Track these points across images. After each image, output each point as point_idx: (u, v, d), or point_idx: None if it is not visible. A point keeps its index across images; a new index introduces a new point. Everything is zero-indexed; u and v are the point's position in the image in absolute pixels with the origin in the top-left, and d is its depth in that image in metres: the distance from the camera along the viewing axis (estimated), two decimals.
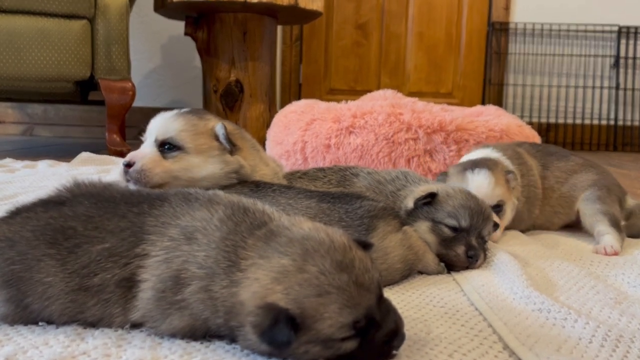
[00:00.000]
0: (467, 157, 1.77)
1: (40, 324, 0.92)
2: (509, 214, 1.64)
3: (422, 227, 1.38)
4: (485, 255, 1.38)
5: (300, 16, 4.02)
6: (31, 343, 0.86)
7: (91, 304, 0.89)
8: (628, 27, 5.10)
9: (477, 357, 0.87)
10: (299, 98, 4.97)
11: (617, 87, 5.16)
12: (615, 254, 1.53)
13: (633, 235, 1.73)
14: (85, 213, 0.92)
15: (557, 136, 5.20)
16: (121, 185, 1.07)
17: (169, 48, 5.05)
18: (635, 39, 5.14)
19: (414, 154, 2.20)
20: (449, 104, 2.95)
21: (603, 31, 5.14)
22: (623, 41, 5.14)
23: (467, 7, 5.26)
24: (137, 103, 3.74)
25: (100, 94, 3.47)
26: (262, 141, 2.55)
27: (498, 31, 5.19)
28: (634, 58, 5.16)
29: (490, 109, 2.61)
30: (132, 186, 1.30)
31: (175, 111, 1.38)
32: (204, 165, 1.33)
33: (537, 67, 5.22)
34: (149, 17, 4.52)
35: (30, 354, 0.82)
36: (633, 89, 5.20)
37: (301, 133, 2.36)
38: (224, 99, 3.86)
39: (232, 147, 1.36)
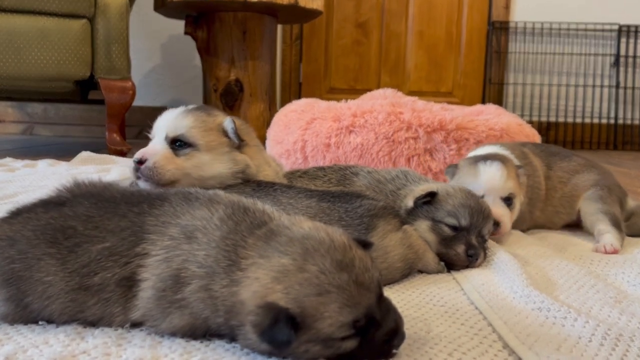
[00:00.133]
0: (474, 153, 1.77)
1: (40, 323, 0.92)
2: (518, 207, 1.64)
3: (422, 226, 1.38)
4: (485, 254, 1.38)
5: (300, 15, 4.02)
6: (31, 342, 0.86)
7: (91, 303, 0.89)
8: (628, 26, 5.10)
9: (477, 355, 0.87)
10: (299, 97, 4.98)
11: (617, 86, 5.16)
12: (615, 252, 1.53)
13: (634, 235, 1.74)
14: (86, 213, 0.92)
15: (558, 135, 5.20)
16: (123, 185, 1.07)
17: (169, 47, 5.05)
18: (636, 38, 5.13)
19: (414, 153, 2.20)
20: (449, 103, 2.95)
21: (603, 30, 5.13)
22: (623, 40, 5.13)
23: (467, 6, 5.26)
24: (137, 102, 3.75)
25: (100, 93, 3.47)
26: (262, 140, 2.54)
27: (498, 30, 5.18)
28: (634, 57, 5.16)
29: (491, 108, 2.61)
30: (142, 184, 1.30)
31: (183, 108, 1.38)
32: (214, 163, 1.33)
33: (538, 66, 5.22)
34: (148, 17, 4.52)
35: (31, 353, 0.82)
36: (633, 88, 5.19)
37: (301, 132, 2.36)
38: (224, 98, 3.86)
39: (240, 141, 1.37)
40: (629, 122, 5.22)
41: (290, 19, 4.25)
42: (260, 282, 0.78)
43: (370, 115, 2.27)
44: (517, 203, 1.63)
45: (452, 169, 1.69)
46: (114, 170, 2.64)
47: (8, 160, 2.92)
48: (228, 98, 3.86)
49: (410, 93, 3.20)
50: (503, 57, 5.21)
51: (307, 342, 0.78)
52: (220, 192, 0.98)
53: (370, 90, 3.09)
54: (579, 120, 5.23)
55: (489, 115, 2.41)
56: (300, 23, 4.99)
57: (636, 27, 5.10)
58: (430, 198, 1.40)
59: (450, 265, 1.36)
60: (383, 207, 1.27)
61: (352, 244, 0.83)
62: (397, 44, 5.32)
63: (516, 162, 1.67)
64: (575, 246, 1.61)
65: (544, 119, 5.21)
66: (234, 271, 0.82)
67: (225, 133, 1.36)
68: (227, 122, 1.37)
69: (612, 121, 5.21)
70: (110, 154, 3.36)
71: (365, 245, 0.87)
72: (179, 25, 4.13)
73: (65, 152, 3.54)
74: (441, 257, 1.36)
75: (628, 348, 0.89)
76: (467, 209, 1.37)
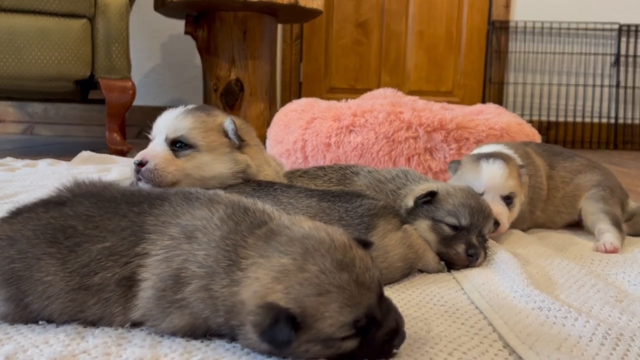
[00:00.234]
0: (478, 151, 1.77)
1: (40, 322, 0.92)
2: (517, 207, 1.64)
3: (423, 226, 1.38)
4: (485, 253, 1.38)
5: (301, 15, 4.02)
6: (31, 342, 0.86)
7: (91, 303, 0.89)
8: (628, 25, 5.09)
9: (477, 355, 0.87)
10: (299, 97, 4.98)
11: (618, 85, 5.16)
12: (615, 250, 1.53)
13: (636, 234, 1.74)
14: (86, 212, 0.92)
15: (558, 134, 5.20)
16: (123, 184, 1.07)
17: (169, 47, 5.05)
18: (636, 37, 5.13)
19: (414, 153, 2.20)
20: (449, 102, 2.95)
21: (603, 29, 5.13)
22: (623, 39, 5.13)
23: (467, 5, 5.26)
24: (137, 102, 3.75)
25: (101, 93, 3.48)
26: (263, 140, 2.54)
27: (498, 29, 5.18)
28: (635, 56, 5.15)
29: (491, 108, 2.61)
30: (143, 185, 1.30)
31: (182, 108, 1.38)
32: (215, 164, 1.33)
33: (538, 66, 5.22)
34: (149, 16, 4.52)
35: (31, 353, 0.82)
36: (633, 87, 5.19)
37: (301, 132, 2.36)
38: (224, 98, 3.86)
39: (241, 142, 1.37)
40: (629, 121, 5.22)
41: (290, 18, 4.25)
42: (261, 282, 0.78)
43: (370, 114, 2.27)
44: (517, 202, 1.63)
45: (455, 165, 1.70)
46: (114, 170, 2.64)
47: (8, 159, 2.92)
48: (228, 98, 3.86)
49: (411, 93, 3.20)
50: (503, 57, 5.21)
51: (307, 342, 0.78)
52: (221, 192, 0.98)
53: (370, 89, 3.09)
54: (579, 119, 5.23)
55: (489, 114, 2.41)
56: (301, 23, 4.99)
57: (636, 26, 5.10)
58: (430, 197, 1.40)
59: (450, 264, 1.36)
60: (383, 207, 1.27)
61: (352, 244, 0.83)
62: (397, 44, 5.32)
63: (519, 161, 1.67)
64: (576, 246, 1.61)
65: (544, 118, 5.21)
66: (234, 271, 0.82)
67: (225, 133, 1.36)
68: (228, 122, 1.36)
69: (612, 121, 5.21)
70: (110, 153, 3.37)
71: (366, 244, 0.87)
72: (179, 24, 4.13)
73: (65, 151, 3.55)
74: (441, 256, 1.36)
75: (629, 348, 0.89)
76: (467, 208, 1.37)
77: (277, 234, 0.84)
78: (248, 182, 1.35)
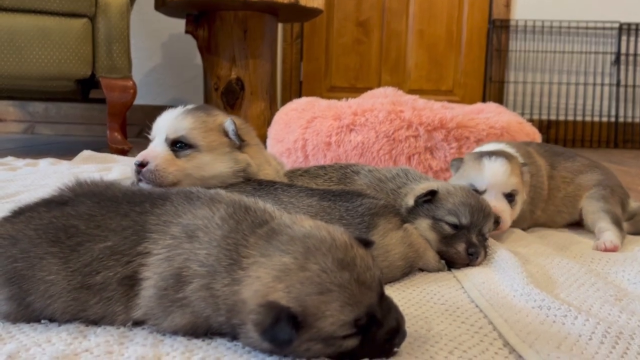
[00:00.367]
0: (480, 149, 1.77)
1: (42, 321, 0.92)
2: (519, 205, 1.64)
3: (423, 225, 1.38)
4: (485, 252, 1.38)
5: (301, 14, 4.02)
6: (34, 341, 0.86)
7: (93, 302, 0.89)
8: (629, 24, 5.09)
9: (478, 354, 0.88)
10: (299, 96, 4.98)
11: (618, 84, 5.16)
12: (615, 248, 1.53)
13: (637, 233, 1.74)
14: (88, 212, 0.93)
15: (558, 133, 5.20)
16: (125, 184, 1.07)
17: (170, 46, 5.05)
18: (636, 36, 5.13)
19: (415, 152, 2.20)
20: (450, 101, 2.95)
21: (604, 28, 5.13)
22: (624, 38, 5.13)
23: (467, 4, 5.26)
24: (138, 101, 3.75)
25: (102, 92, 3.48)
26: (263, 139, 2.55)
27: (499, 28, 5.18)
28: (635, 55, 5.15)
29: (491, 107, 2.61)
30: (144, 186, 1.30)
31: (182, 108, 1.38)
32: (216, 164, 1.34)
33: (538, 65, 5.22)
34: (149, 16, 4.52)
35: (33, 352, 0.82)
36: (634, 86, 5.19)
37: (302, 131, 2.36)
38: (225, 97, 3.86)
39: (241, 142, 1.37)
40: (629, 120, 5.22)
41: (291, 17, 4.26)
42: (262, 281, 0.79)
43: (370, 113, 2.27)
44: (519, 200, 1.63)
45: (457, 162, 1.70)
46: (115, 169, 2.65)
47: (10, 159, 2.92)
48: (229, 97, 3.86)
49: (411, 91, 3.20)
50: (503, 56, 5.21)
51: (308, 341, 0.78)
52: (222, 192, 0.98)
53: (370, 88, 3.09)
54: (579, 118, 5.23)
55: (490, 113, 2.42)
56: (301, 22, 4.99)
57: (637, 25, 5.09)
58: (430, 196, 1.40)
59: (450, 263, 1.36)
60: (384, 206, 1.27)
61: (353, 243, 0.83)
62: (398, 43, 5.32)
63: (521, 160, 1.68)
64: (576, 245, 1.61)
65: (544, 117, 5.21)
66: (236, 270, 0.82)
67: (225, 133, 1.36)
68: (228, 122, 1.37)
69: (612, 119, 5.21)
70: (111, 152, 3.37)
71: (366, 243, 0.87)
72: (179, 24, 4.13)
73: (66, 151, 3.55)
74: (442, 255, 1.36)
75: (628, 346, 0.90)
76: (467, 207, 1.37)
77: (278, 233, 0.84)
78: (249, 182, 1.35)
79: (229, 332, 0.86)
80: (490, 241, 1.47)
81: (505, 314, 1.02)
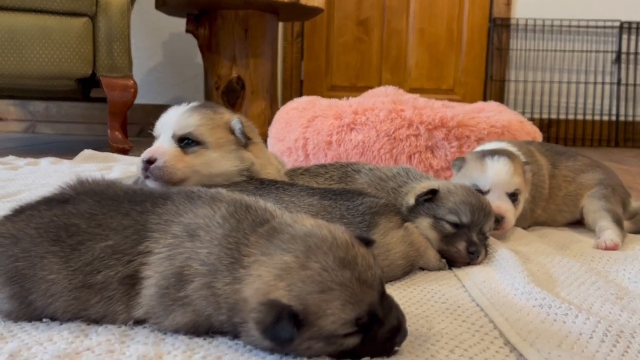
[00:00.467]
0: (482, 148, 1.77)
1: (44, 320, 0.92)
2: (522, 204, 1.64)
3: (424, 224, 1.38)
4: (486, 251, 1.38)
5: (302, 13, 4.02)
6: (35, 339, 0.86)
7: (94, 301, 0.89)
8: (630, 23, 5.09)
9: (478, 352, 0.88)
10: (300, 95, 4.98)
11: (619, 83, 5.15)
12: (615, 247, 1.53)
13: (638, 232, 1.74)
14: (89, 211, 0.93)
15: (559, 132, 5.20)
16: (126, 182, 1.07)
17: (171, 45, 5.05)
18: (637, 35, 5.13)
19: (415, 151, 2.20)
20: (451, 100, 2.95)
21: (605, 27, 5.13)
22: (625, 36, 5.13)
23: (468, 3, 5.25)
24: (138, 100, 3.75)
25: (102, 91, 3.48)
26: (264, 138, 2.55)
27: (499, 27, 5.18)
28: (636, 53, 5.15)
29: (492, 105, 2.60)
30: (151, 183, 1.29)
31: (188, 105, 1.38)
32: (222, 161, 1.34)
33: (539, 63, 5.22)
34: (150, 15, 4.52)
35: (35, 350, 0.83)
36: (635, 85, 5.19)
37: (302, 130, 2.36)
38: (226, 96, 3.86)
39: (247, 140, 1.38)
40: (630, 119, 5.21)
41: (291, 16, 4.25)
42: (263, 280, 0.79)
43: (371, 112, 2.27)
44: (522, 199, 1.63)
45: (459, 162, 1.69)
46: (116, 168, 2.65)
47: (11, 158, 2.93)
48: (230, 96, 3.86)
49: (412, 90, 3.20)
50: (504, 54, 5.21)
51: (309, 339, 0.78)
52: (223, 190, 0.98)
53: (371, 87, 3.09)
54: (580, 117, 5.23)
55: (490, 112, 2.41)
56: (302, 21, 4.99)
57: (637, 23, 5.09)
58: (431, 195, 1.40)
59: (451, 262, 1.36)
60: (384, 205, 1.27)
61: (354, 242, 0.83)
62: (398, 42, 5.32)
63: (523, 158, 1.68)
64: (577, 243, 1.61)
65: (545, 116, 5.20)
66: (237, 269, 0.82)
67: (232, 131, 1.36)
68: (235, 121, 1.37)
69: (613, 118, 5.20)
70: (112, 151, 3.37)
71: (367, 242, 0.87)
72: (180, 23, 4.13)
73: (67, 150, 3.55)
74: (442, 254, 1.36)
75: (629, 344, 0.90)
76: (468, 206, 1.37)
77: (279, 232, 0.84)
78: (250, 180, 1.35)
79: (231, 331, 0.86)
80: (491, 240, 1.47)
81: (506, 312, 1.02)
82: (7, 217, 0.96)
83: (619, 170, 2.62)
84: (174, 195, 0.95)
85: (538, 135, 2.38)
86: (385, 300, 0.83)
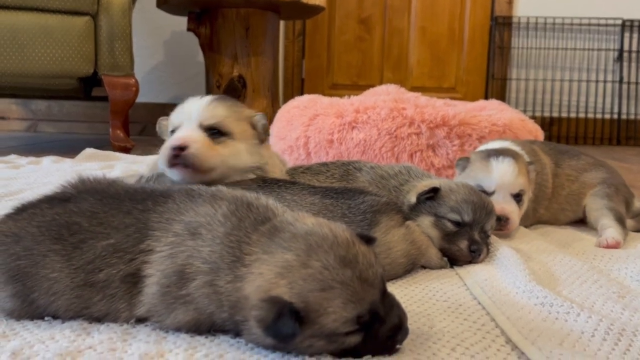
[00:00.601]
0: (485, 147, 1.77)
1: (46, 318, 0.92)
2: (526, 204, 1.64)
3: (425, 222, 1.38)
4: (488, 249, 1.38)
5: (303, 11, 4.02)
6: (37, 338, 0.86)
7: (97, 299, 0.89)
8: (632, 21, 5.08)
9: (480, 350, 0.88)
10: (301, 93, 4.98)
11: (621, 81, 5.15)
12: (617, 245, 1.53)
13: None
14: (90, 209, 0.93)
15: (561, 130, 5.19)
16: (127, 181, 1.07)
17: (172, 44, 5.05)
18: (639, 33, 5.12)
19: (417, 149, 2.20)
20: (452, 98, 2.95)
21: (607, 25, 5.12)
22: (627, 35, 5.12)
23: (470, 1, 5.25)
24: (140, 99, 3.75)
25: (104, 90, 3.48)
26: None
27: (501, 25, 5.17)
28: (638, 52, 5.14)
29: (493, 104, 2.60)
30: (177, 173, 1.27)
31: (210, 97, 1.37)
32: (247, 154, 1.34)
33: (541, 62, 5.21)
34: (151, 13, 4.52)
35: (37, 349, 0.83)
36: (637, 83, 5.18)
37: (304, 128, 2.36)
38: (227, 95, 3.86)
39: (266, 136, 1.39)
40: (632, 117, 5.21)
41: (292, 15, 4.25)
42: (264, 277, 0.79)
43: (373, 111, 2.27)
44: (526, 199, 1.63)
45: (463, 162, 1.69)
46: (118, 167, 2.65)
47: (12, 157, 2.93)
48: (231, 94, 3.85)
49: (413, 89, 3.20)
50: (506, 53, 5.20)
51: (311, 337, 0.78)
52: (223, 188, 0.98)
53: (373, 86, 3.09)
54: (582, 115, 5.22)
55: (492, 110, 2.41)
56: (303, 19, 4.99)
57: (639, 22, 5.09)
58: (433, 194, 1.40)
59: (453, 260, 1.36)
60: (386, 203, 1.27)
61: (355, 240, 0.83)
62: (400, 40, 5.32)
63: (526, 158, 1.68)
64: (579, 242, 1.61)
65: (547, 114, 5.20)
66: (238, 267, 0.82)
67: (253, 125, 1.37)
68: (260, 116, 1.38)
69: (615, 116, 5.20)
70: (114, 150, 3.37)
71: (369, 240, 0.87)
72: (181, 21, 4.13)
73: (69, 148, 3.56)
74: (444, 252, 1.36)
75: (631, 343, 0.89)
76: (469, 204, 1.37)
77: (280, 231, 0.84)
78: (254, 179, 1.35)
79: (232, 329, 0.87)
80: (493, 238, 1.47)
81: (508, 311, 1.02)
82: (9, 216, 0.96)
83: (620, 168, 2.62)
84: (174, 193, 0.95)
85: (540, 134, 2.38)
86: (387, 299, 0.83)
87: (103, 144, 3.61)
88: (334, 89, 5.23)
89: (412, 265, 1.28)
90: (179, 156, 1.25)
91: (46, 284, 0.89)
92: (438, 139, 2.20)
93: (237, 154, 1.32)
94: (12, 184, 2.19)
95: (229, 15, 3.81)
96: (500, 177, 1.57)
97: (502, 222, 1.54)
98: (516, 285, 1.15)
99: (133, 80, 3.46)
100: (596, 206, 1.71)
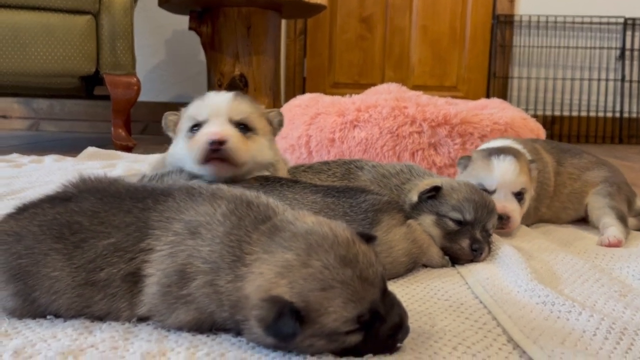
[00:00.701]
0: (487, 146, 1.76)
1: (48, 317, 0.92)
2: (527, 202, 1.64)
3: (427, 221, 1.38)
4: (489, 248, 1.38)
5: (305, 10, 4.02)
6: (39, 336, 0.86)
7: (98, 298, 0.89)
8: (634, 19, 5.07)
9: (481, 349, 0.88)
10: (303, 92, 4.98)
11: (623, 79, 5.14)
12: (618, 243, 1.53)
13: None
14: (91, 208, 0.93)
15: (562, 129, 5.19)
16: (129, 180, 1.07)
17: (174, 43, 5.05)
18: None
19: (419, 148, 2.20)
20: (454, 97, 2.94)
21: (608, 23, 5.11)
22: (629, 33, 5.11)
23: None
24: (142, 98, 3.76)
25: (106, 89, 3.49)
26: None
27: (503, 24, 5.17)
28: None
29: (495, 102, 2.60)
30: (212, 168, 1.26)
31: (231, 93, 1.36)
32: (268, 149, 1.36)
33: (542, 60, 5.20)
34: (153, 12, 4.53)
35: (39, 347, 0.83)
36: (639, 81, 5.17)
37: (305, 127, 2.36)
38: None
39: (278, 133, 1.41)
40: (634, 115, 5.20)
41: (294, 13, 4.25)
42: (265, 277, 0.79)
43: (374, 109, 2.27)
44: (528, 198, 1.63)
45: (465, 160, 1.69)
46: (119, 166, 2.65)
47: (14, 156, 2.94)
48: None
49: (415, 87, 3.21)
50: (507, 51, 5.20)
51: (311, 337, 0.78)
52: (223, 187, 0.97)
53: (374, 84, 3.09)
54: (584, 114, 5.21)
55: (494, 109, 2.41)
56: (304, 18, 4.98)
57: None
58: (434, 192, 1.40)
59: (454, 259, 1.36)
60: (387, 202, 1.27)
61: (355, 239, 0.83)
62: (401, 39, 5.31)
63: (528, 156, 1.67)
64: (580, 240, 1.61)
65: (548, 112, 5.20)
66: (239, 267, 0.82)
67: (270, 122, 1.39)
68: (276, 113, 1.41)
69: (617, 115, 5.19)
70: (115, 149, 3.38)
71: (369, 239, 0.87)
72: (183, 20, 4.13)
73: (71, 147, 3.56)
74: (445, 251, 1.36)
75: (632, 342, 0.89)
76: (471, 203, 1.37)
77: (280, 230, 0.84)
78: (256, 177, 1.35)
79: (233, 328, 0.87)
80: (494, 237, 1.46)
81: (509, 309, 1.02)
82: (11, 215, 0.97)
83: (622, 167, 2.61)
84: (175, 192, 0.95)
85: (541, 132, 2.37)
86: (387, 298, 0.82)
87: (105, 143, 3.62)
88: (336, 87, 5.22)
89: (414, 264, 1.28)
90: (217, 150, 1.24)
91: (47, 283, 0.89)
92: (440, 138, 2.20)
93: (262, 149, 1.34)
94: (14, 182, 2.19)
95: (231, 14, 3.80)
96: (502, 175, 1.57)
97: (503, 220, 1.54)
98: (518, 284, 1.15)
99: (135, 79, 3.46)
100: (598, 205, 1.71)
